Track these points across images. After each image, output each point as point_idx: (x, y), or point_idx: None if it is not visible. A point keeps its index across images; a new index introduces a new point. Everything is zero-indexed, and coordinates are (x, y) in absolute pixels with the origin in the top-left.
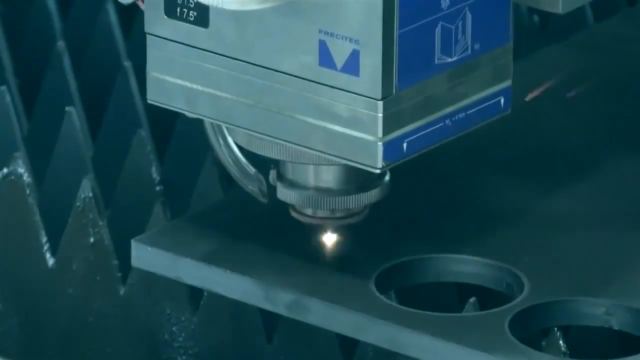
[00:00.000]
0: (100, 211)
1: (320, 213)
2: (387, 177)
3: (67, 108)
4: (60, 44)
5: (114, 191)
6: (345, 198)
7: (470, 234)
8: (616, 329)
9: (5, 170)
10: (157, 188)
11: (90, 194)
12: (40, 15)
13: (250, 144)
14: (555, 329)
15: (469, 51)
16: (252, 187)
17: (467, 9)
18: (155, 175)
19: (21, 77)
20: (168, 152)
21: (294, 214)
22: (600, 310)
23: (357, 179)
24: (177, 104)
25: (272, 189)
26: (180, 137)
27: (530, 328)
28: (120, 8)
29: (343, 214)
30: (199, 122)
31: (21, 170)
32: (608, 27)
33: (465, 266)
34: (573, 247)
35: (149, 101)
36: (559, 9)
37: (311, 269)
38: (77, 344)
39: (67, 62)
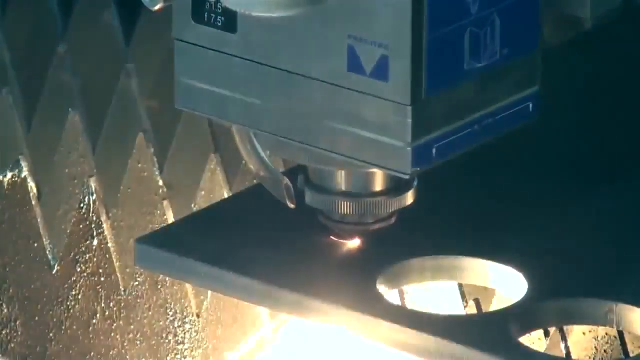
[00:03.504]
0: (104, 213)
1: (348, 219)
2: (415, 182)
3: (69, 110)
4: (63, 46)
5: (118, 193)
6: (374, 203)
7: (471, 234)
8: (617, 329)
9: (8, 172)
10: (161, 189)
11: (94, 196)
12: (43, 17)
13: (279, 149)
14: (555, 328)
15: (498, 56)
16: (279, 192)
17: (495, 14)
18: (158, 176)
19: (24, 80)
20: (171, 153)
21: (322, 219)
22: (602, 310)
23: (386, 184)
24: (205, 110)
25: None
26: (183, 138)
27: (530, 328)
28: (122, 10)
29: (372, 220)
30: (200, 122)
31: (24, 172)
32: (608, 27)
33: (466, 266)
34: (573, 246)
35: (177, 107)
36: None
37: (314, 269)
38: (81, 346)
39: (69, 64)
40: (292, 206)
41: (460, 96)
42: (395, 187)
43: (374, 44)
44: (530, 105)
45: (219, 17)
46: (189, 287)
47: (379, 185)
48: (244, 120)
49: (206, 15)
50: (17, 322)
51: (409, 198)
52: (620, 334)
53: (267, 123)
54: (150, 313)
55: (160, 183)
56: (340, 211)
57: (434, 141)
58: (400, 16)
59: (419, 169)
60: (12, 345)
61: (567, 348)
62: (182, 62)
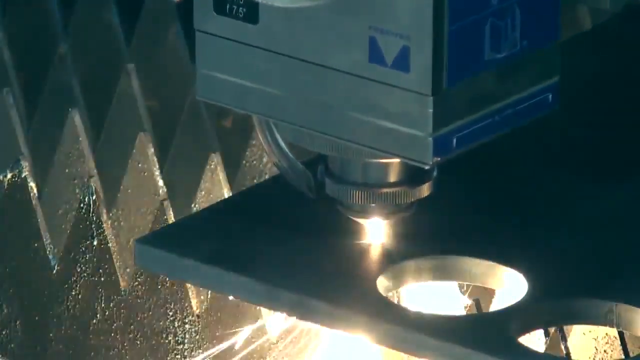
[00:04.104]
0: (104, 213)
1: (368, 208)
2: (435, 172)
3: (70, 110)
4: (63, 46)
5: (118, 193)
6: (395, 193)
7: (472, 234)
8: (617, 329)
9: (8, 172)
10: (160, 189)
11: (94, 196)
12: (43, 16)
13: (299, 139)
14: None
15: (518, 47)
16: (300, 183)
17: (516, 5)
18: (158, 176)
19: (24, 79)
20: (171, 153)
21: (341, 209)
22: (602, 310)
23: (406, 174)
24: (226, 101)
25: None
26: (183, 138)
27: (530, 328)
28: (122, 10)
29: (391, 210)
30: (200, 122)
31: (24, 172)
32: (608, 27)
33: (466, 266)
34: (574, 246)
35: (197, 97)
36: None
37: (315, 269)
38: (81, 346)
39: (69, 63)
40: (312, 196)
41: (480, 87)
42: (414, 177)
43: (395, 35)
44: (550, 96)
45: (241, 7)
46: (189, 287)
47: (398, 175)
48: (265, 110)
49: (227, 6)
50: (17, 322)
51: (427, 188)
52: (620, 334)
53: (288, 113)
54: (150, 313)
55: (160, 183)
56: (358, 201)
57: (454, 131)
58: (421, 7)
59: (439, 158)
60: (12, 345)
61: (567, 348)
62: (203, 53)
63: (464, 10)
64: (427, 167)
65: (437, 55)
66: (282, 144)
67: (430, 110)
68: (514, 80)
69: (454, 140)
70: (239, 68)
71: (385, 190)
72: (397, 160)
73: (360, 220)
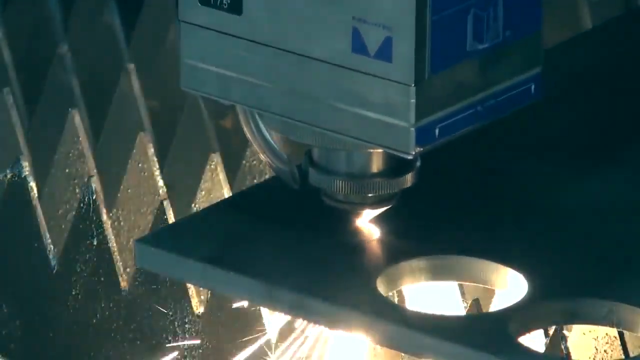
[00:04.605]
0: (104, 213)
1: (351, 198)
2: (418, 163)
3: (70, 110)
4: (63, 46)
5: (118, 193)
6: (377, 183)
7: (472, 233)
8: (617, 329)
9: (8, 172)
10: (160, 189)
11: (94, 196)
12: (43, 17)
13: (283, 129)
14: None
15: (500, 38)
16: (284, 173)
17: None
18: (158, 176)
19: (24, 79)
20: (171, 153)
21: (325, 199)
22: (602, 310)
23: (389, 164)
24: (210, 91)
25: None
26: (183, 138)
27: (530, 328)
28: (122, 10)
29: (374, 200)
30: (200, 122)
31: (24, 172)
32: (608, 27)
33: (466, 266)
34: (574, 246)
35: (182, 88)
36: None
37: (315, 269)
38: (81, 346)
39: (69, 63)
40: (296, 187)
41: (462, 77)
42: (397, 168)
43: (378, 26)
44: (533, 87)
45: None
46: (189, 287)
47: (381, 165)
48: (249, 101)
49: None
50: (17, 322)
51: (410, 179)
52: (620, 334)
53: (272, 104)
54: (150, 313)
55: (160, 183)
56: (341, 191)
57: (436, 121)
58: None
59: (422, 148)
60: (12, 345)
61: (567, 348)
62: (187, 43)
63: (447, 0)
64: (409, 157)
65: (420, 46)
66: (266, 134)
67: (413, 101)
68: (496, 70)
69: (437, 130)
70: (223, 58)
71: (367, 180)
72: (380, 150)
73: (345, 210)
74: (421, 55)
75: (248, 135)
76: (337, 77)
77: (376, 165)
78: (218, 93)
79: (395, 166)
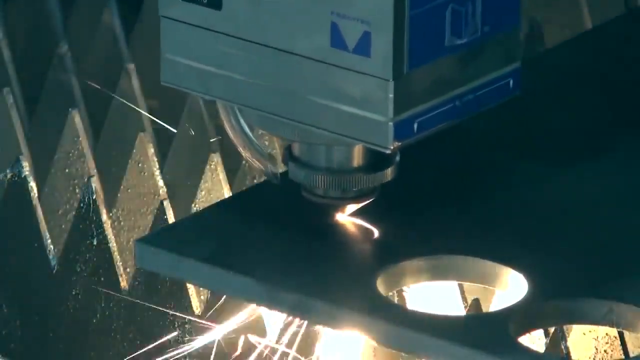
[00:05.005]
0: (104, 213)
1: (331, 193)
2: (397, 157)
3: (69, 110)
4: (63, 46)
5: (118, 193)
6: (356, 178)
7: (472, 233)
8: (617, 329)
9: (8, 172)
10: (160, 189)
11: (94, 195)
12: (43, 17)
13: (263, 124)
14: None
15: (479, 33)
16: (264, 168)
17: None
18: (158, 176)
19: (24, 79)
20: (171, 153)
21: (305, 194)
22: (602, 310)
23: (368, 159)
24: (190, 86)
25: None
26: (183, 138)
27: (530, 328)
28: (122, 10)
29: (354, 195)
30: (200, 122)
31: (25, 171)
32: (608, 27)
33: (466, 266)
34: (574, 246)
35: (162, 83)
36: None
37: (315, 269)
38: (81, 346)
39: (69, 63)
40: (276, 182)
41: (441, 72)
42: (376, 162)
43: (356, 20)
44: (511, 82)
45: None
46: (189, 287)
47: (360, 160)
48: (229, 95)
49: None
50: (17, 322)
51: (389, 174)
52: (620, 334)
53: (252, 98)
54: (150, 313)
55: (161, 183)
56: (320, 186)
57: (415, 116)
58: None
59: (400, 143)
60: (12, 345)
61: (567, 348)
62: (167, 38)
63: None
64: (388, 152)
65: (398, 41)
66: (247, 130)
67: (391, 95)
68: (474, 65)
69: (415, 125)
70: (204, 54)
71: (346, 175)
72: (359, 145)
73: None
74: (400, 50)
75: (228, 130)
76: (316, 72)
77: (356, 160)
78: (198, 88)
79: (374, 161)
